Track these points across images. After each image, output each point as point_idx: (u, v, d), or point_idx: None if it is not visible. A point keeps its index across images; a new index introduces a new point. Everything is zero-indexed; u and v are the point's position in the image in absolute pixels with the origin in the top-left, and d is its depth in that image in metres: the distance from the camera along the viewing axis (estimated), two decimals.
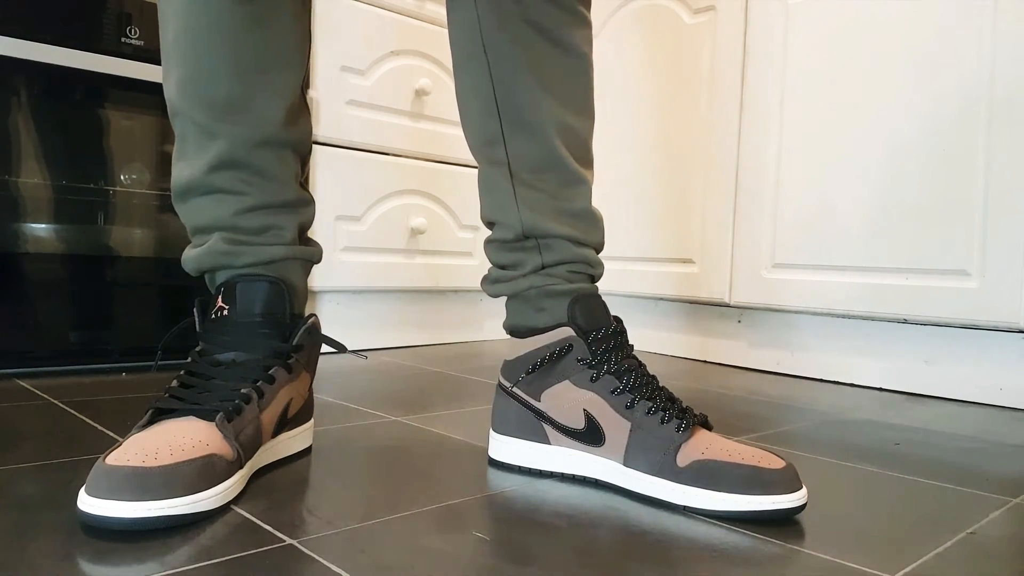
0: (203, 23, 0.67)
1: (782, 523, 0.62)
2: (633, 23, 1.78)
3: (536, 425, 0.73)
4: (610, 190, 1.80)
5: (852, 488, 0.74)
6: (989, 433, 1.03)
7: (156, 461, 0.55)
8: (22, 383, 1.07)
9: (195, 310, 0.71)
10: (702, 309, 1.68)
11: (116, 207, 1.22)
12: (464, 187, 1.76)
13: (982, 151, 1.22)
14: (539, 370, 0.72)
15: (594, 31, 1.86)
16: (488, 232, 0.79)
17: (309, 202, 0.77)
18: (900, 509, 0.68)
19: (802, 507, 0.63)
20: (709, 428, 0.70)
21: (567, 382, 0.71)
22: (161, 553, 0.50)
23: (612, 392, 0.69)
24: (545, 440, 0.73)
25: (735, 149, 1.55)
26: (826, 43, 1.41)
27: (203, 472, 0.57)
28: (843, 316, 1.42)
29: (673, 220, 1.67)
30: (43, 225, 1.16)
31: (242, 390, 0.65)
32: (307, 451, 0.78)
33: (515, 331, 0.76)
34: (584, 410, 0.70)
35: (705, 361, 1.65)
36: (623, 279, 1.76)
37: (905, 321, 1.32)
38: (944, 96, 1.26)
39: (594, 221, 0.76)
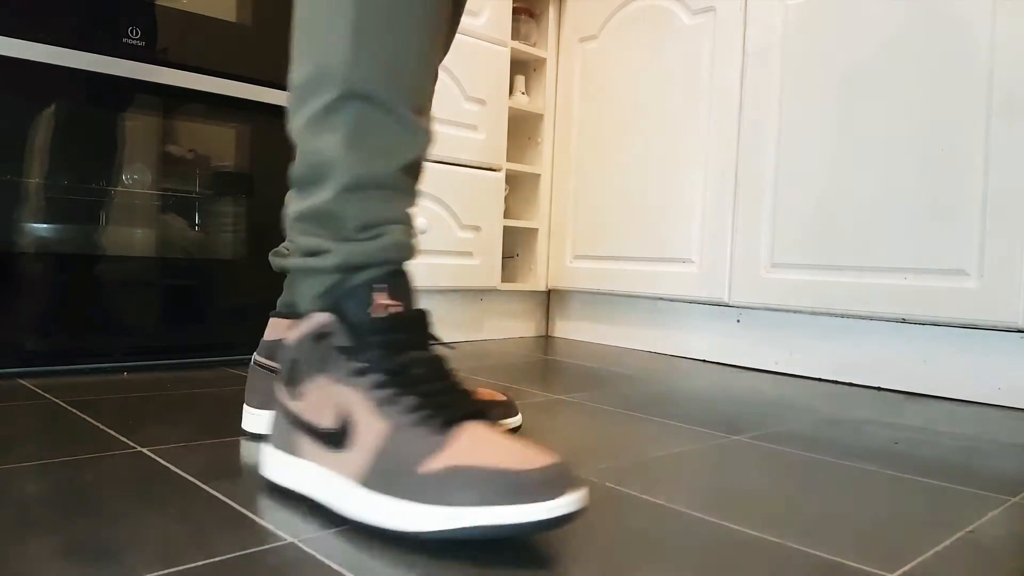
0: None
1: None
2: (633, 23, 1.78)
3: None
4: (611, 189, 1.81)
5: (851, 487, 0.74)
6: (987, 432, 1.04)
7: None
8: (23, 382, 1.07)
9: None
10: (701, 309, 1.68)
11: (118, 207, 1.23)
12: (465, 187, 1.76)
13: (981, 151, 1.22)
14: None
15: (594, 31, 1.87)
16: None
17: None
18: (899, 508, 0.68)
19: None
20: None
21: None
22: (162, 552, 0.50)
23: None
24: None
25: (734, 149, 1.55)
26: (824, 43, 1.42)
27: None
28: (842, 316, 1.42)
29: (673, 220, 1.67)
30: (44, 225, 1.16)
31: None
32: None
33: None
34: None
35: (705, 361, 1.65)
36: (622, 279, 1.76)
37: (904, 321, 1.32)
38: (943, 95, 1.26)
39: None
